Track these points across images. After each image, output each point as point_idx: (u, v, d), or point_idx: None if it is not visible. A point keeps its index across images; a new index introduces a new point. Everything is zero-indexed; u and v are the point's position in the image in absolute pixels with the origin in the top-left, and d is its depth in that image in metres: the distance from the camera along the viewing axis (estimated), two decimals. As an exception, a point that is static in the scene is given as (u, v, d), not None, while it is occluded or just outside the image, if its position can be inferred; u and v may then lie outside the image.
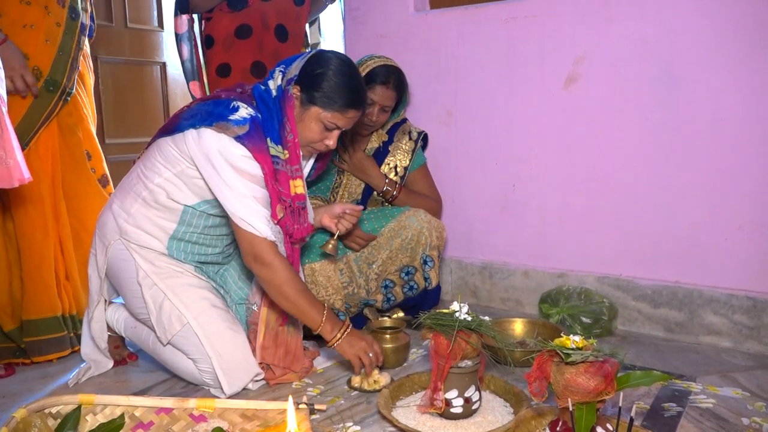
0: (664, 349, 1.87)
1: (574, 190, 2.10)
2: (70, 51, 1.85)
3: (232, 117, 1.49)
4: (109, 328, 1.78)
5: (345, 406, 1.50)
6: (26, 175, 1.51)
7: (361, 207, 1.80)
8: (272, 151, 1.52)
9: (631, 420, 1.06)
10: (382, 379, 1.59)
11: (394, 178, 2.11)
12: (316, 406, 1.40)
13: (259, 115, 1.53)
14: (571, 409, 1.08)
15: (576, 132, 2.07)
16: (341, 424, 1.41)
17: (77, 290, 1.92)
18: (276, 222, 1.52)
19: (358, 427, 1.39)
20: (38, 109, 1.80)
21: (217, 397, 1.51)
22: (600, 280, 2.08)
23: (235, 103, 1.52)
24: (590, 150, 2.05)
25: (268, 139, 1.52)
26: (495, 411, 1.44)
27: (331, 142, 1.60)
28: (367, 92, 1.66)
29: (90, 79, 2.08)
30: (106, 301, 1.75)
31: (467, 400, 1.38)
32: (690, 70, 1.85)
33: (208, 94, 2.25)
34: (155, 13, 3.49)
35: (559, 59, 2.06)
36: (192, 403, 1.30)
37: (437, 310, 1.39)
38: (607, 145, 2.02)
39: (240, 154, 1.46)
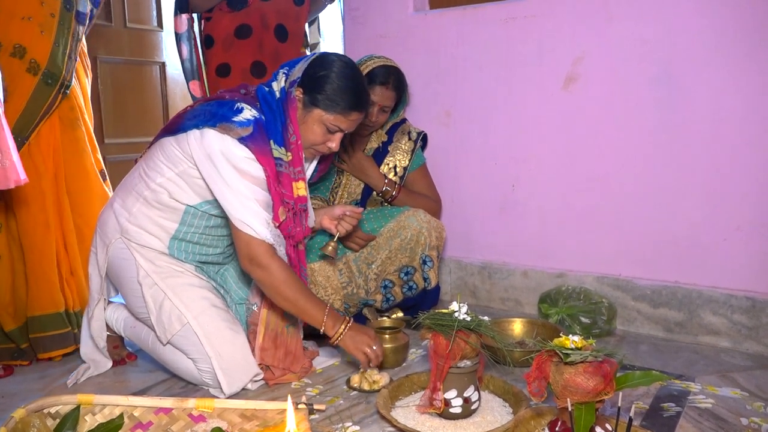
0: (663, 349, 1.87)
1: (573, 190, 2.10)
2: (67, 42, 1.83)
3: (235, 118, 1.49)
4: (109, 328, 1.78)
5: (344, 406, 1.50)
6: (22, 176, 1.51)
7: (362, 209, 1.80)
8: (275, 153, 1.52)
9: (630, 420, 1.06)
10: (381, 379, 1.59)
11: (394, 179, 2.11)
12: (315, 406, 1.40)
13: (263, 117, 1.53)
14: (570, 409, 1.09)
15: (575, 132, 2.07)
16: (340, 424, 1.41)
17: (81, 286, 1.91)
18: (278, 225, 1.52)
19: (357, 427, 1.39)
20: (37, 103, 1.79)
21: (217, 397, 1.51)
22: (599, 280, 2.08)
23: (239, 104, 1.52)
24: (589, 150, 2.05)
25: (272, 141, 1.52)
26: (494, 411, 1.44)
27: (334, 144, 1.60)
28: (369, 93, 1.66)
29: (86, 78, 2.07)
30: (105, 300, 1.75)
31: (466, 400, 1.38)
32: (689, 70, 1.85)
33: (207, 93, 2.25)
34: (154, 12, 3.49)
35: (559, 59, 2.06)
36: (191, 403, 1.30)
37: (436, 310, 1.39)
38: (606, 146, 2.02)
39: (243, 155, 1.46)
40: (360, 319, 2.02)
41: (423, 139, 2.21)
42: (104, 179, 2.05)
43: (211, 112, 1.50)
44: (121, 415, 1.28)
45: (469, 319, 1.34)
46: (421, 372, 1.60)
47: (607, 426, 1.12)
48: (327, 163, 1.85)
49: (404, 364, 1.76)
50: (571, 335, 1.14)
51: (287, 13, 2.26)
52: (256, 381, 1.61)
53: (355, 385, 1.59)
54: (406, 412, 1.43)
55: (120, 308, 1.77)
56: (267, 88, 1.59)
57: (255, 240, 1.48)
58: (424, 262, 1.98)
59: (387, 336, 1.73)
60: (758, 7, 1.73)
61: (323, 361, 1.76)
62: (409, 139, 2.15)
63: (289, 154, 1.55)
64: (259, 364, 1.61)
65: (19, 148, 1.60)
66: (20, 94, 1.76)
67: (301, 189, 1.58)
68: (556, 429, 1.15)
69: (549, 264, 2.19)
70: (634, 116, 1.96)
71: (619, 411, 1.10)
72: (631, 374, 1.15)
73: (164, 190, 1.57)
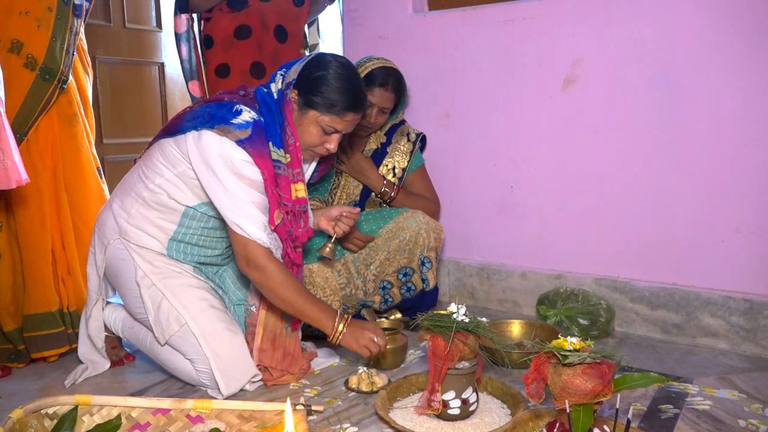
0: (661, 351, 1.87)
1: (572, 191, 2.10)
2: (65, 36, 1.82)
3: (234, 120, 1.48)
4: (107, 329, 1.77)
5: (342, 407, 1.50)
6: (24, 176, 1.51)
7: (359, 209, 1.79)
8: (274, 156, 1.52)
9: (628, 422, 1.06)
10: (379, 380, 1.59)
11: (393, 180, 2.11)
12: (314, 407, 1.40)
13: (262, 119, 1.53)
14: (568, 410, 1.09)
15: (574, 134, 2.07)
16: (338, 425, 1.41)
17: (78, 285, 1.90)
18: (273, 228, 1.52)
19: (355, 428, 1.39)
20: (35, 98, 1.78)
21: (214, 398, 1.51)
22: (597, 282, 2.08)
23: (238, 106, 1.52)
24: (588, 152, 2.06)
25: (270, 143, 1.52)
26: (492, 412, 1.44)
27: (332, 145, 1.59)
28: (366, 95, 1.64)
29: (87, 76, 2.07)
30: (104, 300, 1.75)
31: (464, 402, 1.38)
32: (688, 71, 1.86)
33: (207, 94, 2.25)
34: (153, 13, 3.49)
35: (558, 61, 2.06)
36: (189, 404, 1.30)
37: (435, 312, 1.39)
38: (605, 147, 2.02)
39: (241, 158, 1.46)
40: (358, 320, 2.02)
41: (422, 141, 2.21)
42: (100, 177, 2.04)
43: (209, 114, 1.50)
44: (118, 416, 1.28)
45: (467, 320, 1.34)
46: (419, 373, 1.60)
47: (605, 428, 1.12)
48: (327, 163, 1.84)
49: (402, 366, 1.76)
50: (569, 337, 1.14)
51: (287, 14, 2.26)
52: (254, 382, 1.61)
53: (354, 386, 1.59)
54: (404, 413, 1.43)
55: (118, 308, 1.77)
56: (266, 90, 1.59)
57: (251, 243, 1.48)
58: (423, 264, 1.98)
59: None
60: (758, 7, 1.73)
61: (321, 362, 1.76)
62: (408, 140, 2.15)
63: (287, 156, 1.55)
64: (258, 365, 1.61)
65: (18, 144, 1.59)
66: (18, 90, 1.75)
67: (300, 191, 1.58)
68: (555, 431, 1.15)
69: (547, 265, 2.19)
70: (633, 117, 1.96)
71: (617, 413, 1.10)
72: (629, 376, 1.15)
73: (163, 191, 1.57)
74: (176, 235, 1.62)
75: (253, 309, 1.65)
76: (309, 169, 1.76)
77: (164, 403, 1.31)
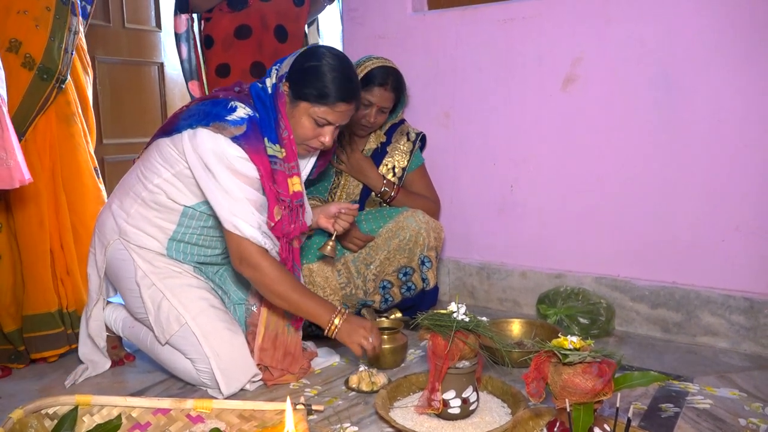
0: (661, 350, 1.87)
1: (572, 191, 2.10)
2: (63, 36, 1.82)
3: (229, 117, 1.48)
4: (107, 328, 1.77)
5: (343, 406, 1.50)
6: (27, 176, 1.51)
7: (357, 205, 1.79)
8: (269, 151, 1.51)
9: (629, 421, 1.06)
10: (379, 379, 1.59)
11: (392, 179, 2.11)
12: (314, 407, 1.40)
13: (257, 115, 1.53)
14: (568, 409, 1.09)
15: (574, 133, 2.07)
16: (339, 425, 1.41)
17: (77, 286, 1.89)
18: (273, 225, 1.52)
19: (355, 428, 1.39)
20: (33, 98, 1.77)
21: (215, 398, 1.51)
22: (598, 281, 2.08)
23: (232, 103, 1.52)
24: (588, 151, 2.06)
25: (266, 139, 1.51)
26: (492, 412, 1.44)
27: (327, 138, 1.57)
28: (359, 85, 1.60)
29: (87, 76, 2.06)
30: (104, 300, 1.75)
31: (465, 401, 1.38)
32: (688, 71, 1.86)
33: (207, 94, 2.25)
34: (153, 13, 3.48)
35: (558, 60, 2.06)
36: (189, 403, 1.30)
37: (435, 311, 1.39)
38: (605, 147, 2.02)
39: (236, 155, 1.46)
40: (358, 319, 2.02)
41: (422, 140, 2.21)
42: (98, 176, 2.03)
43: (205, 112, 1.49)
44: (119, 416, 1.28)
45: (467, 319, 1.34)
46: (419, 372, 1.60)
47: (606, 426, 1.12)
48: (326, 158, 1.83)
49: (403, 365, 1.76)
50: (569, 336, 1.14)
51: (287, 14, 2.26)
52: (254, 381, 1.61)
53: (354, 385, 1.59)
54: (404, 412, 1.43)
55: (119, 308, 1.77)
56: (260, 85, 1.59)
57: (245, 241, 1.48)
58: (423, 263, 1.98)
59: (385, 336, 1.73)
60: (757, 7, 1.73)
61: (322, 361, 1.76)
62: (408, 139, 2.15)
63: (283, 150, 1.54)
64: (258, 365, 1.61)
65: None
66: (16, 89, 1.74)
67: (296, 184, 1.57)
68: (555, 429, 1.15)
69: (547, 265, 2.19)
70: (632, 117, 1.96)
71: (618, 411, 1.10)
72: (630, 375, 1.15)
73: (161, 191, 1.57)
74: (176, 235, 1.62)
75: (254, 309, 1.65)
76: (308, 165, 1.75)
77: (164, 403, 1.31)
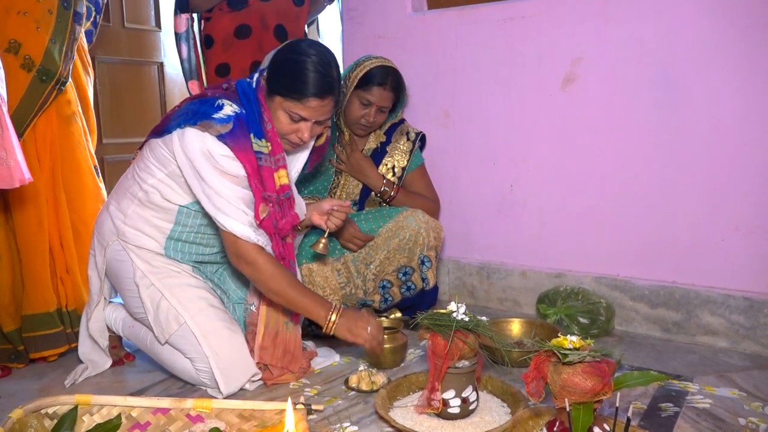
0: (661, 350, 1.87)
1: (571, 190, 2.10)
2: (64, 40, 1.82)
3: (215, 115, 1.48)
4: (107, 328, 1.77)
5: (342, 406, 1.50)
6: (27, 175, 1.51)
7: (349, 202, 1.78)
8: (255, 147, 1.50)
9: (628, 420, 1.07)
10: (379, 379, 1.59)
11: (392, 179, 2.11)
12: (314, 407, 1.40)
13: (243, 111, 1.52)
14: (568, 409, 1.09)
15: (573, 132, 2.07)
16: (338, 425, 1.41)
17: (77, 284, 1.89)
18: (259, 223, 1.52)
19: (355, 428, 1.39)
20: (32, 99, 1.77)
21: (214, 398, 1.51)
22: (597, 281, 2.08)
23: (220, 100, 1.52)
24: (588, 151, 2.06)
25: (252, 135, 1.51)
26: (492, 411, 1.44)
27: (305, 135, 1.55)
28: (335, 80, 1.53)
29: (88, 76, 2.06)
30: (106, 300, 1.75)
31: (464, 401, 1.38)
32: (688, 71, 1.86)
33: (204, 93, 2.25)
34: (153, 12, 3.48)
35: (557, 60, 2.06)
36: (189, 403, 1.30)
37: (435, 311, 1.39)
38: (604, 146, 2.02)
39: (221, 153, 1.45)
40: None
41: (421, 140, 2.21)
42: (98, 175, 2.03)
43: (193, 111, 1.49)
44: (118, 416, 1.28)
45: (467, 319, 1.34)
46: (419, 372, 1.60)
47: (605, 426, 1.12)
48: (320, 152, 1.81)
49: (402, 365, 1.76)
50: (569, 335, 1.14)
51: (287, 14, 2.26)
52: (254, 381, 1.61)
53: (354, 385, 1.59)
54: (404, 412, 1.43)
55: (119, 308, 1.77)
56: (247, 80, 1.58)
57: (239, 238, 1.48)
58: (423, 263, 1.98)
59: (385, 336, 1.73)
60: (757, 7, 1.73)
61: (321, 361, 1.76)
62: (408, 139, 2.15)
63: (268, 144, 1.53)
64: (257, 363, 1.61)
65: None
66: (15, 90, 1.74)
67: (282, 177, 1.56)
68: (554, 429, 1.15)
69: (547, 264, 2.19)
70: (632, 117, 1.96)
71: (617, 411, 1.10)
72: (629, 374, 1.15)
73: (156, 191, 1.57)
74: (173, 234, 1.62)
75: (253, 308, 1.65)
76: (300, 159, 1.73)
77: (164, 402, 1.31)
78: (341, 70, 1.67)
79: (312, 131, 1.56)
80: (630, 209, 2.00)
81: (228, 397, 1.54)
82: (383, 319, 1.89)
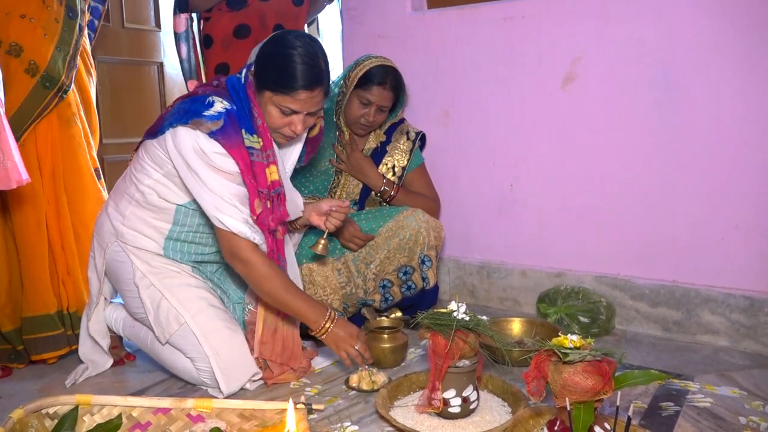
0: (661, 349, 1.87)
1: (571, 190, 2.10)
2: (69, 48, 1.83)
3: (206, 113, 1.47)
4: (108, 328, 1.77)
5: (343, 405, 1.50)
6: (24, 176, 1.51)
7: (348, 201, 1.78)
8: (247, 143, 1.50)
9: (629, 419, 1.07)
10: (379, 378, 1.59)
11: (392, 178, 2.11)
12: (314, 406, 1.40)
13: (234, 107, 1.52)
14: (568, 408, 1.09)
15: (574, 132, 2.07)
16: (339, 424, 1.41)
17: (78, 286, 1.89)
18: (255, 218, 1.51)
19: (356, 427, 1.39)
20: (32, 104, 1.77)
21: (215, 397, 1.51)
22: (598, 280, 2.08)
23: (210, 98, 1.51)
24: (588, 150, 2.06)
25: (243, 131, 1.50)
26: (493, 410, 1.44)
27: (298, 127, 1.54)
28: (324, 71, 1.51)
29: (90, 77, 2.06)
30: (106, 301, 1.75)
31: (465, 400, 1.38)
32: (688, 71, 1.86)
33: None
34: (152, 12, 3.48)
35: (557, 59, 2.06)
36: (190, 403, 1.30)
37: (435, 310, 1.39)
38: (604, 146, 2.02)
39: (213, 150, 1.45)
40: (358, 319, 2.02)
41: (421, 139, 2.21)
42: (99, 178, 2.03)
43: (184, 110, 1.49)
44: (119, 416, 1.28)
45: (467, 318, 1.34)
46: (419, 372, 1.60)
47: (606, 425, 1.12)
48: (314, 144, 1.80)
49: (403, 364, 1.76)
50: (569, 335, 1.14)
51: (286, 14, 2.26)
52: (254, 381, 1.61)
53: (354, 384, 1.59)
54: (404, 411, 1.43)
55: (119, 308, 1.77)
56: (237, 76, 1.58)
57: (234, 236, 1.48)
58: (423, 262, 1.98)
59: (386, 336, 1.73)
60: (757, 7, 1.73)
61: (322, 361, 1.76)
62: (408, 139, 2.15)
63: (260, 139, 1.53)
64: (257, 358, 1.61)
65: None
66: (16, 93, 1.75)
67: (273, 173, 1.55)
68: (555, 428, 1.15)
69: (547, 263, 2.19)
70: (632, 116, 1.96)
71: (618, 410, 1.10)
72: (630, 373, 1.15)
73: (153, 191, 1.57)
74: (172, 234, 1.62)
75: (251, 308, 1.65)
76: (294, 152, 1.72)
77: (165, 402, 1.31)
78: (337, 66, 1.66)
79: (305, 123, 1.55)
80: (630, 209, 2.00)
81: (229, 396, 1.54)
82: (383, 318, 1.90)
